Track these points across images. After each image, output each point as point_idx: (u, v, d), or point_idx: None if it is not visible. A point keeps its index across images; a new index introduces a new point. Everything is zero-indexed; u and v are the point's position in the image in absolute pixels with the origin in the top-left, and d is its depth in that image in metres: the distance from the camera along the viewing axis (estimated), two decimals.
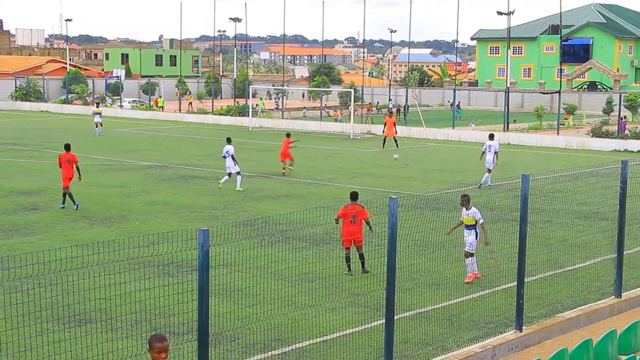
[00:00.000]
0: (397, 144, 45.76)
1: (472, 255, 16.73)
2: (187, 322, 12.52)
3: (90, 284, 12.54)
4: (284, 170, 33.71)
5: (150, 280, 14.68)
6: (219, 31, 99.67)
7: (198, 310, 9.14)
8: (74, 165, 24.89)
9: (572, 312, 14.62)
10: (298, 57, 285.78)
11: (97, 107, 58.25)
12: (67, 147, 25.56)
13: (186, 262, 16.15)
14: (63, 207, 24.53)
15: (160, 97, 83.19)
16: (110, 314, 13.53)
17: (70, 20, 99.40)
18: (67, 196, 24.61)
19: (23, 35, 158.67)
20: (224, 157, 29.36)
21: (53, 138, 48.70)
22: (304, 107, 77.84)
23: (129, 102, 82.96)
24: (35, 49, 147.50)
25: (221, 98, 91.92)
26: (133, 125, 60.80)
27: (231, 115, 68.74)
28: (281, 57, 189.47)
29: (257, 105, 69.78)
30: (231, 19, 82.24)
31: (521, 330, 13.38)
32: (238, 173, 29.02)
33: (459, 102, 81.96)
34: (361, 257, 17.26)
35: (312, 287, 15.75)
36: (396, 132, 46.88)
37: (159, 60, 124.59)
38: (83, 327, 13.16)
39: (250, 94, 64.88)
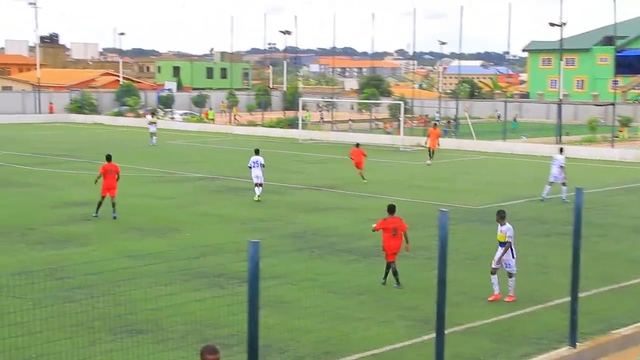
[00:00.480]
0: (431, 155, 45.20)
1: (494, 273, 16.14)
2: (237, 333, 12.53)
3: (141, 295, 12.62)
4: (364, 179, 34.90)
5: (200, 292, 14.73)
6: (269, 44, 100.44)
7: (248, 322, 9.12)
8: (116, 176, 25.38)
9: (628, 328, 14.31)
10: (348, 69, 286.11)
11: (152, 117, 59.59)
12: (109, 158, 26.09)
13: (236, 274, 16.19)
14: (96, 216, 25.02)
15: (210, 109, 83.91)
16: (161, 324, 13.60)
17: (123, 34, 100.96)
18: (100, 205, 25.13)
19: (78, 49, 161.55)
20: (251, 167, 29.71)
21: (106, 150, 49.33)
22: (349, 119, 77.23)
23: (180, 115, 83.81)
24: (90, 62, 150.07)
25: (271, 110, 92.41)
26: (184, 137, 61.37)
27: (281, 128, 69.03)
28: (331, 69, 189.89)
29: (304, 117, 69.98)
30: (281, 31, 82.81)
31: (575, 347, 13.13)
32: (261, 185, 29.36)
33: (516, 115, 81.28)
34: (395, 272, 16.96)
35: (362, 300, 15.67)
36: (438, 145, 46.38)
37: (209, 73, 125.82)
38: (134, 337, 13.25)
39: (300, 107, 65.07)
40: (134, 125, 74.26)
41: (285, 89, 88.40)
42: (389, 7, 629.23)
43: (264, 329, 11.31)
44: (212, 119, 79.15)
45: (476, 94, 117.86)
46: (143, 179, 35.29)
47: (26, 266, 18.10)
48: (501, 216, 16.29)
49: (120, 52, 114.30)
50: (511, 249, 16.13)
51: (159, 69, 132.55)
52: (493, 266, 16.19)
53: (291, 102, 79.97)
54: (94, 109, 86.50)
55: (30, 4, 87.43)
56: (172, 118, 78.23)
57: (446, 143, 56.24)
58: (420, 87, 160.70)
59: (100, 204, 25.17)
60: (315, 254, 18.32)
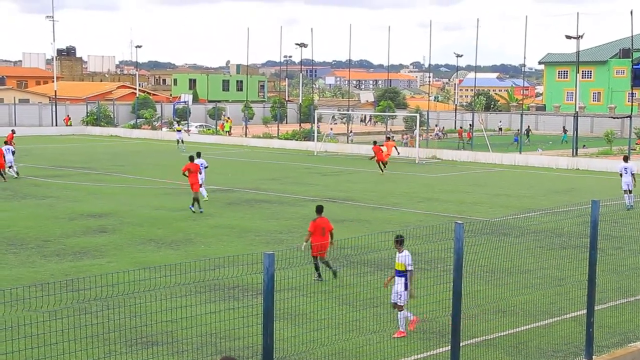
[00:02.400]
0: (382, 168, 45.19)
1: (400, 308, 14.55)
2: (252, 345, 12.53)
3: (157, 307, 12.64)
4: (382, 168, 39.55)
5: (215, 304, 14.75)
6: (285, 56, 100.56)
7: (263, 334, 9.13)
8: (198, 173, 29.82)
9: None
10: (363, 81, 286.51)
11: (178, 125, 65.22)
12: (193, 158, 30.49)
13: (251, 286, 16.20)
14: (192, 209, 28.92)
15: (227, 120, 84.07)
16: (176, 336, 13.63)
17: (140, 46, 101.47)
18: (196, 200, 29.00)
19: (95, 61, 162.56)
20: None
21: (121, 162, 49.61)
22: (351, 131, 75.06)
23: (196, 127, 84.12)
24: (106, 74, 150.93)
25: (287, 122, 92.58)
26: (199, 150, 61.49)
27: (296, 140, 69.14)
28: (346, 81, 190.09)
29: (324, 132, 70.06)
30: (297, 44, 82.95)
31: None
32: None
33: (528, 127, 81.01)
34: (327, 264, 18.64)
35: (377, 312, 15.63)
36: (387, 161, 46.39)
37: (225, 86, 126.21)
38: (150, 349, 13.28)
39: (316, 119, 65.19)
40: (150, 138, 74.56)
41: (300, 101, 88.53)
42: (405, 19, 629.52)
43: (279, 340, 11.31)
44: (228, 132, 79.39)
45: (492, 106, 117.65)
46: (158, 190, 35.40)
47: (42, 278, 18.20)
48: (399, 242, 14.63)
49: (136, 65, 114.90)
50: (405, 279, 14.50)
51: (175, 81, 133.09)
52: (394, 301, 14.55)
53: (307, 114, 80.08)
54: (110, 122, 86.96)
55: (48, 17, 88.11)
56: (188, 130, 78.53)
57: (462, 155, 56.15)
58: (436, 99, 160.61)
59: (196, 199, 29.09)
60: (331, 265, 18.31)
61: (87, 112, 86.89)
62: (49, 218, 27.55)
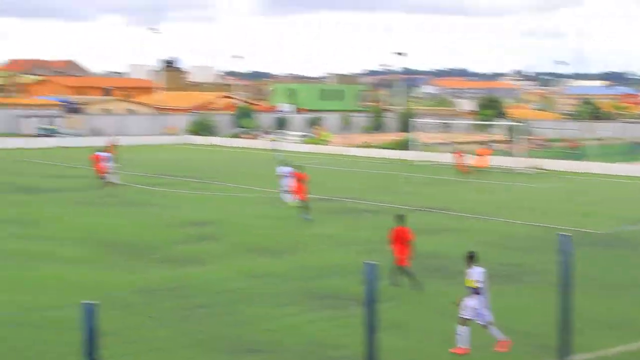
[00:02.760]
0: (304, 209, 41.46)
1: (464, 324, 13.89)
2: (354, 355, 12.49)
3: (259, 315, 12.74)
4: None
5: (317, 312, 14.74)
6: (383, 65, 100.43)
7: (366, 344, 9.09)
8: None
9: None
10: (463, 90, 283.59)
11: (271, 136, 66.03)
12: (300, 168, 31.49)
13: (353, 295, 16.15)
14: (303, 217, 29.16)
15: (326, 130, 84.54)
16: (279, 344, 13.67)
17: (240, 57, 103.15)
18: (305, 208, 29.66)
19: (197, 72, 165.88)
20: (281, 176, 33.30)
21: (222, 171, 50.41)
22: (451, 141, 74.55)
23: (294, 136, 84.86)
24: (208, 85, 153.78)
25: (385, 132, 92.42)
26: (299, 159, 61.97)
27: (394, 149, 68.90)
28: (445, 90, 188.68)
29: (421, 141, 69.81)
30: (396, 53, 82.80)
31: None
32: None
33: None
34: (409, 273, 18.23)
35: (477, 325, 15.35)
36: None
37: (324, 95, 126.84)
38: (252, 356, 13.36)
39: (415, 128, 64.78)
40: (250, 147, 75.55)
41: (399, 110, 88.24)
42: (505, 26, 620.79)
43: (380, 351, 11.22)
44: (328, 140, 79.76)
45: (599, 115, 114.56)
46: (259, 199, 35.77)
47: (148, 284, 18.57)
48: (470, 258, 14.14)
49: (237, 75, 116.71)
50: (484, 296, 13.98)
51: (274, 91, 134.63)
52: (462, 315, 13.94)
53: (405, 123, 79.78)
54: (211, 131, 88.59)
55: (152, 29, 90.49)
56: (288, 140, 79.37)
57: (567, 165, 54.86)
58: (539, 108, 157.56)
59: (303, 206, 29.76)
60: (427, 276, 18.10)
61: (189, 122, 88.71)
62: (154, 225, 28.17)
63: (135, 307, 12.55)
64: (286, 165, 33.34)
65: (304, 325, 12.71)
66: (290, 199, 32.27)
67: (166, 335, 11.73)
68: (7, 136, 77.17)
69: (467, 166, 48.71)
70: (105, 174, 40.35)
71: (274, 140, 66.88)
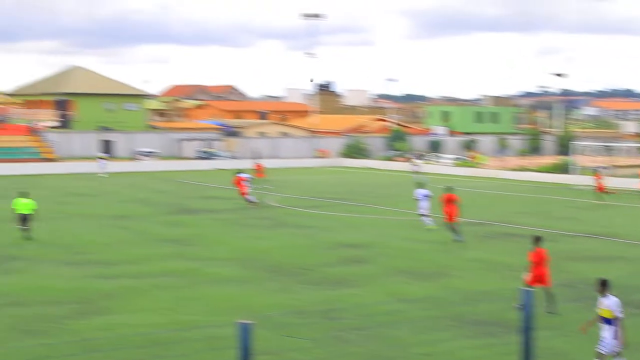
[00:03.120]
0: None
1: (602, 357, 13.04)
2: None
3: (413, 339, 12.63)
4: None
5: (472, 339, 14.45)
6: (541, 87, 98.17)
7: None
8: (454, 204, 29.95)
9: None
10: (628, 111, 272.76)
11: (414, 159, 71.18)
12: (449, 190, 30.81)
13: (507, 322, 15.74)
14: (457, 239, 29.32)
15: (479, 153, 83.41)
16: None
17: (394, 80, 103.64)
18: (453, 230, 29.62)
19: (351, 95, 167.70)
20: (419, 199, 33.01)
21: (375, 193, 50.55)
22: (612, 164, 71.66)
23: (449, 159, 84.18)
24: (362, 108, 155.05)
25: (543, 155, 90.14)
26: (452, 182, 61.32)
27: (553, 172, 67.04)
28: (608, 112, 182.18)
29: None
30: (555, 74, 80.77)
31: None
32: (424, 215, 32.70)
33: None
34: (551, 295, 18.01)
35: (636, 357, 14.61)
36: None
37: (479, 118, 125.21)
38: None
39: (575, 150, 62.86)
40: (404, 170, 75.46)
41: (557, 132, 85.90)
42: None
43: None
44: (483, 163, 78.64)
45: None
46: (408, 222, 35.59)
47: (301, 305, 18.78)
48: (603, 285, 13.24)
49: (391, 98, 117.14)
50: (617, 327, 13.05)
51: (428, 113, 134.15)
52: (601, 350, 13.02)
53: (565, 146, 77.53)
54: (364, 154, 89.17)
55: (309, 53, 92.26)
56: (442, 163, 78.85)
57: None
58: None
59: (452, 229, 29.80)
60: (588, 305, 17.37)
61: (342, 145, 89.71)
62: (307, 247, 28.53)
63: (289, 327, 12.70)
64: (423, 187, 33.34)
65: (459, 351, 12.48)
66: (428, 221, 32.42)
67: (323, 356, 11.78)
68: (168, 159, 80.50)
69: (606, 188, 47.02)
70: (246, 195, 42.19)
71: (415, 164, 67.47)
